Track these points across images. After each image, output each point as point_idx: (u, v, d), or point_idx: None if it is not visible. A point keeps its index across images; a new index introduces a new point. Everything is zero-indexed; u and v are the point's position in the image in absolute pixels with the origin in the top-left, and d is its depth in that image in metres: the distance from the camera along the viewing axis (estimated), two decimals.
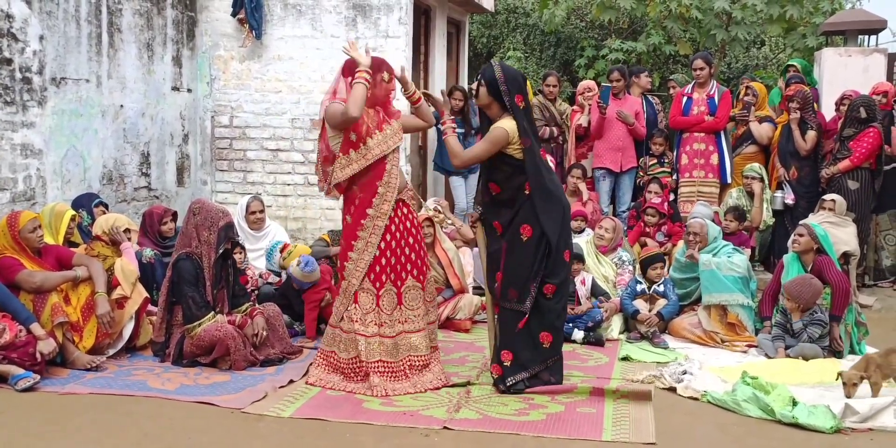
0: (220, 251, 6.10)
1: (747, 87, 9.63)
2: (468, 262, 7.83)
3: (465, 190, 9.76)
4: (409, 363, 5.65)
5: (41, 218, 6.54)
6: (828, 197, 8.15)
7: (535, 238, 5.46)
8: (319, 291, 6.93)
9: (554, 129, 9.66)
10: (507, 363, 5.54)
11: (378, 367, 5.56)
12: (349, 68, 5.63)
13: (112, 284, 6.13)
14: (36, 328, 5.55)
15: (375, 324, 5.60)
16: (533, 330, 5.53)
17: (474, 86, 5.59)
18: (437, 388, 5.59)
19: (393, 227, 5.62)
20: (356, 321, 5.59)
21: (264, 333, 6.14)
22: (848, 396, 5.34)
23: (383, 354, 5.59)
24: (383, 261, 5.61)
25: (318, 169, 5.79)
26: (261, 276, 7.34)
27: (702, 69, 9.28)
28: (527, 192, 5.44)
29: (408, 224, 5.71)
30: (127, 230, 6.55)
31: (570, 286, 5.72)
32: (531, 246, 5.47)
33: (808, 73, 10.97)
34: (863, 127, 8.70)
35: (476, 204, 5.91)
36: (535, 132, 5.59)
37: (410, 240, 5.70)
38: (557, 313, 5.61)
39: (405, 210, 5.72)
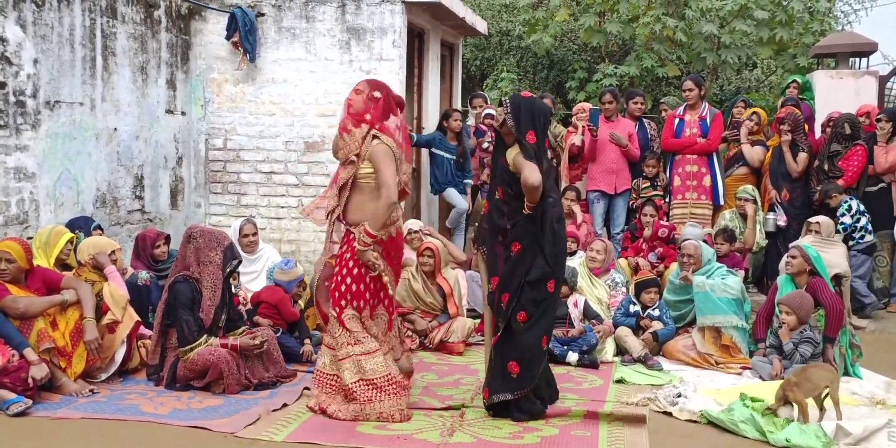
0: (229, 269, 6.11)
1: (754, 113, 9.67)
2: (462, 285, 7.83)
3: (459, 194, 9.80)
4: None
5: (37, 239, 6.55)
6: (814, 219, 8.19)
7: (521, 255, 5.41)
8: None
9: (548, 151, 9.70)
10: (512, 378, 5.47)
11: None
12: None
13: (102, 310, 6.10)
14: (29, 353, 5.53)
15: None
16: (504, 356, 5.45)
17: (500, 113, 5.54)
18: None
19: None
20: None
21: (265, 342, 6.14)
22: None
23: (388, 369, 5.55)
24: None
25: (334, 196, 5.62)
26: None
27: (691, 90, 9.32)
28: (525, 211, 5.40)
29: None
30: (112, 252, 6.50)
31: (550, 318, 5.55)
32: (515, 262, 5.43)
33: (808, 88, 11.05)
34: (848, 144, 8.79)
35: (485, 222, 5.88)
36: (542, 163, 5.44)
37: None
38: (529, 346, 5.41)
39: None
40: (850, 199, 8.58)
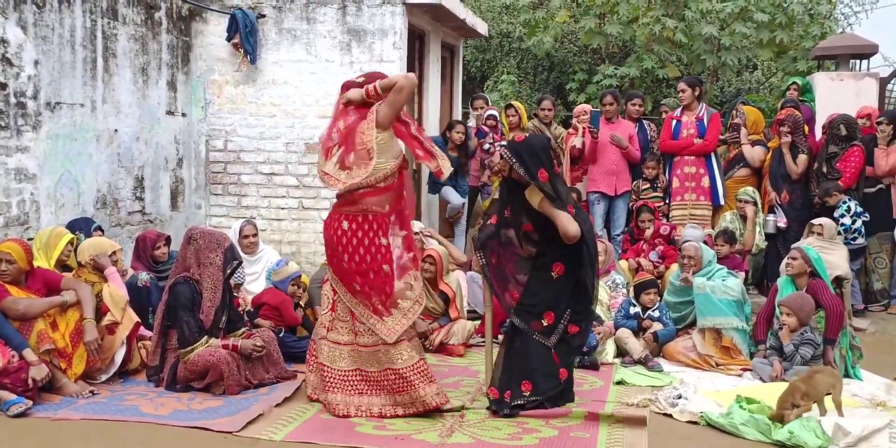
0: (229, 270, 6.12)
1: (735, 110, 9.71)
2: (463, 287, 7.82)
3: (455, 190, 9.82)
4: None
5: (37, 240, 6.55)
6: (816, 221, 8.18)
7: (565, 276, 5.63)
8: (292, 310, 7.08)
9: None
10: (527, 392, 5.59)
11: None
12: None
13: (102, 311, 6.10)
14: (28, 354, 5.53)
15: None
16: (557, 364, 5.65)
17: (502, 164, 5.67)
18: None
19: None
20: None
21: (261, 345, 6.15)
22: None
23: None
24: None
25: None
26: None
27: (683, 91, 9.35)
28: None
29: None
30: (113, 253, 6.51)
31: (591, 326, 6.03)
32: (561, 284, 5.63)
33: (809, 90, 11.04)
34: (845, 145, 8.79)
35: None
36: (562, 197, 5.61)
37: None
38: (576, 352, 5.87)
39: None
40: (849, 199, 8.58)
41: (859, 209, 8.54)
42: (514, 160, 5.56)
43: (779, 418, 5.29)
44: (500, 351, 5.87)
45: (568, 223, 5.42)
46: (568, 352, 5.72)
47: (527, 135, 6.06)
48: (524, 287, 5.73)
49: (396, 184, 5.62)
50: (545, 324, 5.62)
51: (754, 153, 9.39)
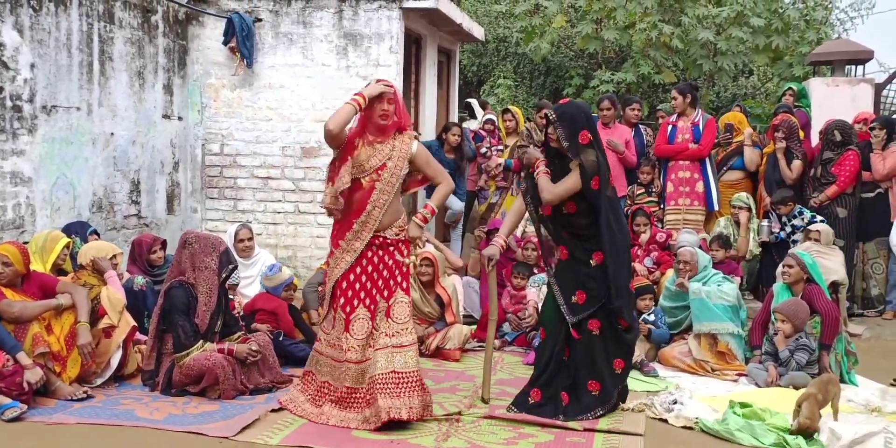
0: (224, 274, 6.11)
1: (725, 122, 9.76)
2: (459, 292, 7.82)
3: (454, 197, 9.83)
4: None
5: (33, 244, 6.54)
6: (812, 227, 8.20)
7: (604, 266, 5.60)
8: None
9: None
10: (596, 392, 5.62)
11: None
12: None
13: (99, 313, 6.09)
14: (22, 357, 5.51)
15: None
16: (610, 357, 5.66)
17: (552, 132, 5.60)
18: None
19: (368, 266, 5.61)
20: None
21: (256, 349, 6.13)
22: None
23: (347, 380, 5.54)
24: (350, 292, 5.58)
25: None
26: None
27: (675, 99, 9.39)
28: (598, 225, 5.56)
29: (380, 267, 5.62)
30: (113, 257, 6.51)
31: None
32: (596, 272, 5.59)
33: (805, 95, 11.07)
34: (841, 150, 8.82)
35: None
36: (603, 168, 5.62)
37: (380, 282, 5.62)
38: (631, 343, 5.78)
39: (380, 253, 5.62)
40: (803, 208, 8.64)
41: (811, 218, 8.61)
42: (558, 121, 5.55)
43: (808, 430, 5.27)
44: (552, 360, 5.76)
45: (552, 192, 5.51)
46: (620, 345, 5.69)
47: (570, 99, 6.08)
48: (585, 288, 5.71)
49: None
50: (575, 301, 5.58)
51: (753, 155, 9.40)
